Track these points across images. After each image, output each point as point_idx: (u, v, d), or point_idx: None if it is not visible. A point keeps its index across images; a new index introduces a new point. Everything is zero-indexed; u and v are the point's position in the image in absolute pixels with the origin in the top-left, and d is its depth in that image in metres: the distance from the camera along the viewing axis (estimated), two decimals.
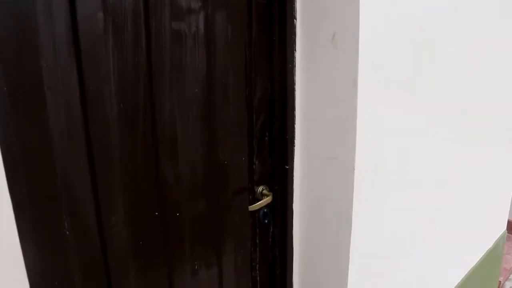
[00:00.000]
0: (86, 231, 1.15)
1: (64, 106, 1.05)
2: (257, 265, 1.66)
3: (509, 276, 3.78)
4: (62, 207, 1.09)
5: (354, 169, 1.42)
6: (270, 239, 1.68)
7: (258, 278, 1.67)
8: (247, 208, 1.50)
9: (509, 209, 3.08)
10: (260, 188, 1.56)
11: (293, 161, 1.56)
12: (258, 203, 1.51)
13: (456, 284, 2.47)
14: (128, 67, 1.14)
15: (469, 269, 2.63)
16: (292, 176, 1.57)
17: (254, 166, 1.53)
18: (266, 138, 1.55)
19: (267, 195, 1.55)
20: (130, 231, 1.25)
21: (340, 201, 1.49)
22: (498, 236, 3.02)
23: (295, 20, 1.45)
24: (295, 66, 1.49)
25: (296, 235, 1.66)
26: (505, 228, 3.15)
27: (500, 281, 3.54)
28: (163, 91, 1.23)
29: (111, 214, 1.19)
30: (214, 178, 1.41)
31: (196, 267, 1.44)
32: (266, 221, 1.61)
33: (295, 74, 1.49)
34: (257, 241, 1.63)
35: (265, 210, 1.59)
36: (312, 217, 1.61)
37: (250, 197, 1.56)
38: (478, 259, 2.73)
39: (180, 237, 1.37)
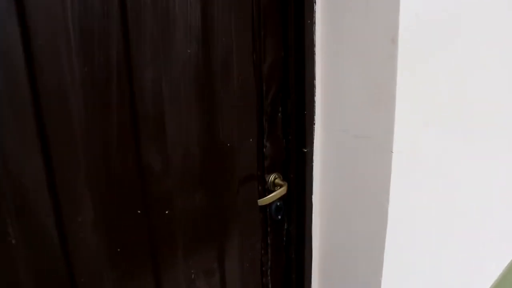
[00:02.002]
0: (41, 238, 0.87)
1: (3, 69, 0.76)
2: (269, 270, 1.37)
3: None
4: (4, 207, 0.80)
5: (392, 151, 1.11)
6: (285, 238, 1.39)
7: (269, 285, 1.39)
8: (256, 202, 1.21)
9: None
10: (272, 177, 1.26)
11: (313, 142, 1.26)
12: (269, 195, 1.21)
13: (496, 276, 2.18)
14: (94, 15, 0.84)
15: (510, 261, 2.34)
16: (312, 161, 1.27)
17: (264, 150, 1.23)
18: (279, 114, 1.25)
19: (281, 185, 1.26)
20: (104, 235, 0.96)
21: (373, 193, 1.19)
22: None
23: None
24: (314, 23, 1.18)
25: (316, 233, 1.37)
26: None
27: None
28: (143, 50, 0.93)
29: (76, 214, 0.90)
30: (214, 165, 1.12)
31: (192, 276, 1.16)
32: (279, 216, 1.32)
33: (315, 33, 1.18)
34: (269, 241, 1.34)
35: (278, 203, 1.30)
36: (336, 212, 1.31)
37: (260, 188, 1.26)
38: None
39: (170, 240, 1.08)
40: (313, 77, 1.20)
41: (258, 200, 1.19)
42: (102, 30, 0.87)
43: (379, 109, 1.11)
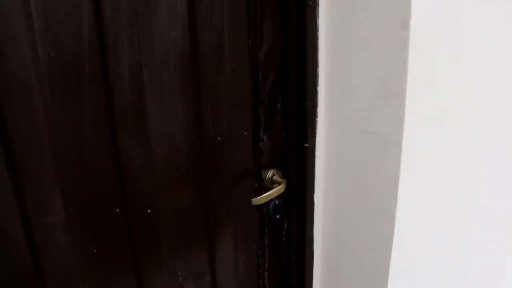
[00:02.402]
0: (4, 240, 0.79)
1: None
2: (266, 272, 1.28)
3: None
4: None
5: (400, 149, 1.00)
6: (284, 239, 1.29)
7: None
8: (251, 201, 1.11)
9: None
10: (269, 173, 1.16)
11: (315, 137, 1.15)
12: (266, 193, 1.11)
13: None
14: None
15: None
16: (313, 157, 1.17)
17: (261, 144, 1.13)
18: (278, 105, 1.14)
19: (279, 183, 1.15)
20: (77, 236, 0.88)
21: (380, 193, 1.08)
22: None
23: None
24: (318, 4, 1.06)
25: (318, 234, 1.26)
26: None
27: None
28: (118, 32, 0.83)
29: (43, 214, 0.82)
30: (203, 160, 1.02)
31: (180, 279, 1.07)
32: (278, 216, 1.22)
33: (317, 16, 1.06)
34: (266, 242, 1.24)
35: (277, 202, 1.20)
36: (339, 212, 1.21)
37: (256, 185, 1.16)
38: None
39: (154, 241, 1.00)
40: (315, 65, 1.09)
41: (252, 199, 1.09)
42: (70, 9, 0.77)
43: (387, 102, 0.99)
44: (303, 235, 1.24)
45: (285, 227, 1.27)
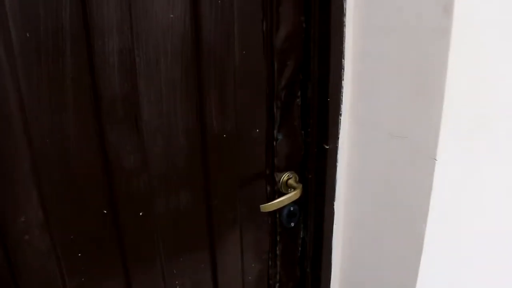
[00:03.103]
0: None
1: None
2: (277, 284, 1.16)
3: None
4: None
5: (435, 158, 0.85)
6: (300, 249, 1.17)
7: None
8: (260, 207, 0.99)
9: None
10: (284, 176, 1.04)
11: (337, 137, 1.01)
12: (278, 199, 0.99)
13: None
14: None
15: None
16: (335, 160, 1.03)
17: (275, 143, 1.01)
18: (297, 100, 1.01)
19: (295, 188, 1.03)
20: (57, 238, 0.80)
21: (409, 207, 0.93)
22: None
23: None
24: None
25: (337, 245, 1.13)
26: None
27: None
28: (106, 12, 0.73)
29: (19, 213, 0.75)
30: (205, 159, 0.92)
31: (177, 287, 0.98)
32: (292, 224, 1.10)
33: None
34: (278, 252, 1.13)
35: (292, 208, 1.08)
36: (361, 223, 1.07)
37: (268, 189, 1.05)
38: None
39: (146, 246, 0.91)
40: (340, 55, 0.95)
41: (261, 206, 0.97)
42: None
43: (422, 102, 0.84)
44: (320, 246, 1.12)
45: (301, 235, 1.15)
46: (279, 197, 1.03)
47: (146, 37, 0.78)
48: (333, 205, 1.08)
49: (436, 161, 0.85)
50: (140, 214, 0.88)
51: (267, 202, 1.03)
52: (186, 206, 0.93)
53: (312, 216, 1.11)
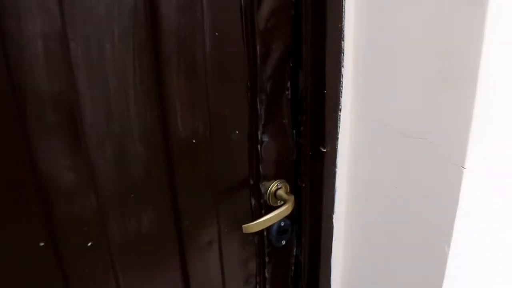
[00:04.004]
0: None
1: None
2: None
3: None
4: None
5: (463, 165, 0.67)
6: (293, 268, 1.00)
7: None
8: (242, 228, 0.81)
9: None
10: (272, 186, 0.87)
11: (337, 138, 0.84)
12: (266, 216, 0.81)
13: None
14: None
15: None
16: (334, 166, 0.86)
17: (259, 147, 0.83)
18: (287, 92, 0.83)
19: (285, 200, 0.86)
20: None
21: (427, 223, 0.76)
22: None
23: None
24: None
25: (337, 265, 0.97)
26: None
27: None
28: None
29: None
30: (171, 171, 0.74)
31: None
32: (283, 242, 0.93)
33: None
34: (267, 275, 0.95)
35: (282, 223, 0.90)
36: (367, 241, 0.90)
37: (253, 202, 0.87)
38: None
39: (99, 280, 0.73)
40: (339, 35, 0.76)
41: (244, 226, 0.79)
42: None
43: (447, 94, 0.67)
44: (316, 266, 0.95)
45: (294, 253, 0.98)
46: (266, 212, 0.86)
47: (83, 16, 0.59)
48: (332, 219, 0.90)
49: (464, 170, 0.67)
50: (89, 244, 0.69)
51: (252, 218, 0.86)
52: (149, 231, 0.75)
53: (307, 232, 0.93)
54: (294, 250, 0.98)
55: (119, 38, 0.63)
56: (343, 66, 0.80)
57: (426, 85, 0.69)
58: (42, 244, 0.66)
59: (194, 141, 0.73)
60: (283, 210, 0.82)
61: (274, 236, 0.91)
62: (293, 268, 1.00)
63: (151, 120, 0.69)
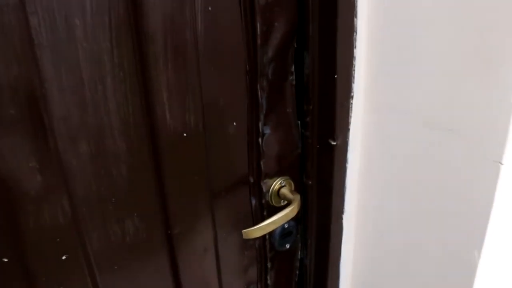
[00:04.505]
0: None
1: None
2: None
3: None
4: None
5: (501, 162, 0.58)
6: (297, 272, 0.91)
7: None
8: (242, 233, 0.72)
9: None
10: (275, 184, 0.77)
11: (348, 130, 0.74)
12: (269, 220, 0.72)
13: None
14: None
15: None
16: (345, 161, 0.76)
17: (261, 140, 0.73)
18: (291, 78, 0.73)
19: (290, 200, 0.76)
20: None
21: (454, 226, 0.67)
22: None
23: None
24: None
25: (347, 270, 0.88)
26: None
27: None
28: None
29: None
30: (161, 169, 0.64)
31: None
32: (287, 245, 0.84)
33: None
34: (269, 281, 0.86)
35: (286, 225, 0.81)
36: (381, 245, 0.81)
37: (254, 202, 0.77)
38: None
39: None
40: (352, 9, 0.66)
41: (244, 232, 0.70)
42: None
43: (483, 80, 0.57)
44: (324, 271, 0.85)
45: (299, 256, 0.89)
46: (269, 213, 0.76)
47: None
48: (342, 219, 0.81)
49: (502, 166, 0.58)
50: (64, 257, 0.60)
51: (253, 221, 0.77)
52: (136, 240, 0.65)
53: (314, 233, 0.84)
54: (299, 253, 0.88)
55: (92, 13, 0.52)
56: (355, 47, 0.69)
57: (458, 67, 0.59)
58: (5, 260, 0.56)
59: (185, 135, 0.63)
60: (288, 212, 0.72)
61: (277, 240, 0.81)
62: (297, 272, 0.91)
63: (134, 111, 0.59)
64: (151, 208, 0.66)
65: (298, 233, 0.86)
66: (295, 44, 0.71)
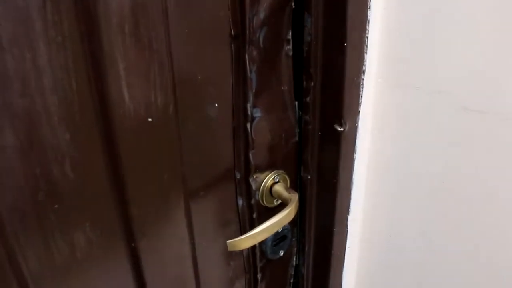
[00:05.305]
0: None
1: None
2: None
3: None
4: None
5: None
6: (291, 281, 0.78)
7: None
8: (227, 244, 0.58)
9: None
10: (267, 180, 0.63)
11: (358, 113, 0.60)
12: (260, 227, 0.57)
13: None
14: None
15: None
16: (353, 151, 0.62)
17: (249, 126, 0.58)
18: (287, 47, 0.58)
19: (286, 199, 0.62)
20: None
21: (495, 235, 0.55)
22: None
23: None
24: None
25: (350, 279, 0.75)
26: None
27: None
28: None
29: None
30: (120, 165, 0.49)
31: None
32: (281, 252, 0.70)
33: None
34: None
35: (280, 229, 0.67)
36: (394, 250, 0.68)
37: (241, 203, 0.63)
38: None
39: None
40: None
41: (228, 243, 0.55)
42: None
43: None
44: (324, 281, 0.72)
45: (293, 263, 0.75)
46: (259, 215, 0.62)
47: None
48: (347, 220, 0.68)
49: None
50: None
51: (240, 225, 0.63)
52: (89, 256, 0.50)
53: (312, 238, 0.70)
54: (294, 259, 0.75)
55: None
56: (369, 8, 0.55)
57: (506, 33, 0.45)
58: None
59: (150, 120, 0.48)
60: (284, 216, 0.58)
61: (270, 246, 0.68)
62: (291, 281, 0.77)
63: (78, 89, 0.43)
64: (107, 215, 0.51)
65: (293, 236, 0.72)
66: (293, 3, 0.56)
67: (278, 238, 0.68)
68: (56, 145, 0.45)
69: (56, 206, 0.47)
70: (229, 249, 0.55)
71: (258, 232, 0.56)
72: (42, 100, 0.42)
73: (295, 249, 0.74)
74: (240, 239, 0.55)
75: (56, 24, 0.41)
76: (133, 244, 0.54)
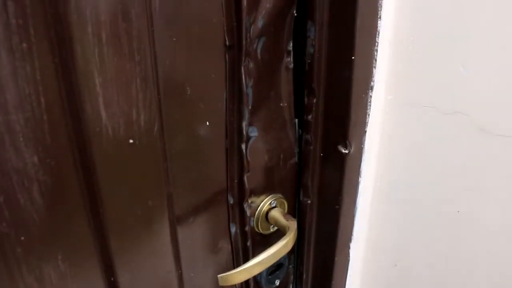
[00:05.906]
0: None
1: None
2: None
3: None
4: None
5: None
6: None
7: None
8: (223, 278, 0.52)
9: None
10: (263, 205, 0.57)
11: (364, 133, 0.55)
12: (256, 260, 0.52)
13: None
14: None
15: None
16: (358, 175, 0.57)
17: (244, 146, 0.53)
18: (288, 59, 0.53)
19: (284, 226, 0.56)
20: None
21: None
22: None
23: None
24: None
25: None
26: None
27: None
28: None
29: None
30: (93, 191, 0.43)
31: None
32: (277, 282, 0.64)
33: None
34: None
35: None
36: (401, 278, 0.63)
37: (234, 230, 0.57)
38: None
39: None
40: None
41: (220, 277, 0.49)
42: None
43: None
44: None
45: None
46: (254, 243, 0.57)
47: None
48: (349, 249, 0.62)
49: None
50: None
51: (232, 256, 0.57)
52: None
53: (311, 267, 0.65)
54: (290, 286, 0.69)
55: None
56: (380, 18, 0.50)
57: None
58: None
59: (131, 141, 0.42)
60: (280, 248, 0.52)
61: (265, 276, 0.62)
62: None
63: (48, 105, 0.38)
64: (83, 247, 0.45)
65: (290, 263, 0.66)
66: (294, 11, 0.51)
67: (274, 266, 0.62)
68: (22, 169, 0.39)
69: (22, 238, 0.41)
70: (221, 283, 0.49)
71: (253, 266, 0.50)
72: (4, 118, 0.36)
73: (292, 277, 0.68)
74: (233, 273, 0.49)
75: (21, 27, 0.35)
76: (112, 279, 0.48)
